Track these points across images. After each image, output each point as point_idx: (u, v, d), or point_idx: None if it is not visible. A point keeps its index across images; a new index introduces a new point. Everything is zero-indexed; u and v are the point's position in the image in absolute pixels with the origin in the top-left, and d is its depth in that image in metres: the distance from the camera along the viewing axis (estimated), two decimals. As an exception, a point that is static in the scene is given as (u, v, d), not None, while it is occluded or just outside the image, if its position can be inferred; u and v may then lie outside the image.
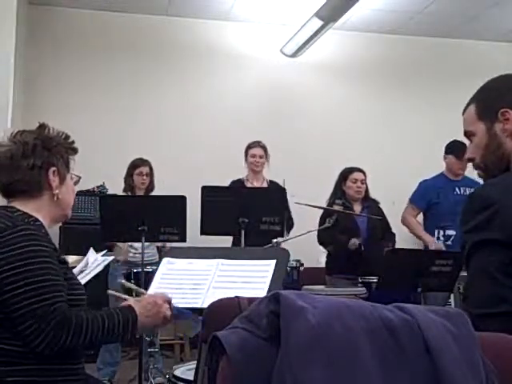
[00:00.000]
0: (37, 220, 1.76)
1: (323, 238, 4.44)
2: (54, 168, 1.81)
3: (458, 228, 4.52)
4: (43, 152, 1.80)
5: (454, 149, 4.73)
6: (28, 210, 1.76)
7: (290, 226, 4.60)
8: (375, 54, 6.43)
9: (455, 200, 4.65)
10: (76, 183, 1.97)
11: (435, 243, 4.62)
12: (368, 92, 6.40)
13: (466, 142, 1.61)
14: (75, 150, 1.91)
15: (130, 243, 4.42)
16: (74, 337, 1.59)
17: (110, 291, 2.13)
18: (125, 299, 1.92)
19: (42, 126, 1.87)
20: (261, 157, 4.85)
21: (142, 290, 1.97)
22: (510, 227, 1.29)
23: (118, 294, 2.06)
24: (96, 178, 5.17)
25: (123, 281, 2.21)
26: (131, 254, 4.45)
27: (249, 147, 4.90)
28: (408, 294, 3.37)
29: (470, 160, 1.58)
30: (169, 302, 1.84)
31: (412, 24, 6.19)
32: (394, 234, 4.65)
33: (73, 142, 1.90)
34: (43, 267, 1.63)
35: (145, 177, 4.63)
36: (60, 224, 4.51)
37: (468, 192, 4.70)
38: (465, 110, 1.59)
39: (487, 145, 1.51)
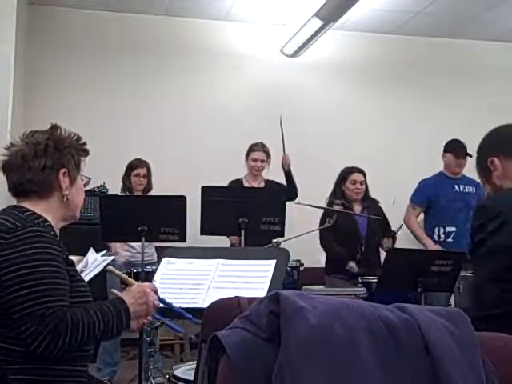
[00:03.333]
0: (46, 221, 1.76)
1: (326, 245, 4.44)
2: (64, 169, 1.80)
3: (458, 224, 4.56)
4: (55, 153, 1.79)
5: (453, 147, 4.76)
6: (37, 210, 1.76)
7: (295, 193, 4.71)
8: (375, 54, 6.43)
9: (454, 197, 4.68)
10: (86, 185, 1.96)
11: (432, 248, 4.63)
12: (368, 92, 6.40)
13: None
14: (86, 152, 1.90)
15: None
16: (71, 339, 1.59)
17: (113, 290, 2.13)
18: (131, 283, 1.91)
19: (54, 127, 1.86)
20: (262, 161, 4.80)
21: (130, 280, 1.96)
22: None
23: (119, 273, 2.05)
24: (96, 178, 5.15)
25: (109, 267, 2.19)
26: (130, 254, 4.45)
27: (251, 149, 4.82)
28: (408, 294, 3.37)
29: None
30: (155, 291, 1.85)
31: (412, 24, 6.18)
32: (394, 232, 4.64)
33: (84, 144, 1.90)
34: (47, 270, 1.63)
35: (142, 178, 4.62)
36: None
37: (467, 190, 4.73)
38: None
39: (493, 191, 1.78)
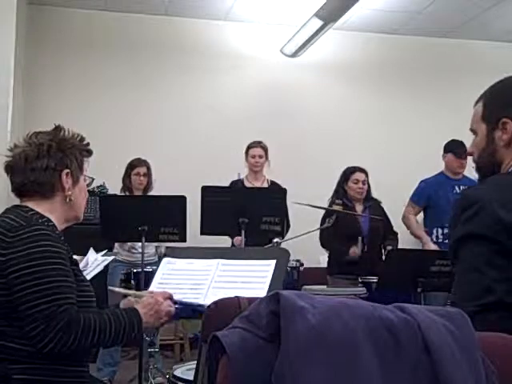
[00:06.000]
0: (49, 221, 1.76)
1: (324, 242, 4.44)
2: (67, 170, 1.81)
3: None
4: (57, 153, 1.80)
5: (453, 147, 4.76)
6: (41, 210, 1.77)
7: (287, 227, 4.59)
8: (375, 54, 6.43)
9: (454, 199, 4.65)
10: (89, 185, 1.97)
11: (429, 244, 4.62)
12: (368, 92, 6.40)
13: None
14: (90, 152, 1.91)
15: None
16: (81, 338, 1.59)
17: (110, 287, 2.14)
18: (126, 295, 1.92)
19: (58, 128, 1.87)
20: (260, 157, 4.83)
21: (140, 293, 1.96)
22: (491, 223, 1.34)
23: (118, 289, 2.07)
24: (96, 178, 5.14)
25: (110, 287, 2.21)
26: (131, 254, 4.46)
27: (249, 147, 4.87)
28: (408, 294, 3.37)
29: (470, 154, 1.65)
30: (169, 297, 1.85)
31: (412, 24, 6.19)
32: (396, 234, 4.64)
33: (88, 144, 1.91)
34: (54, 268, 1.63)
35: (142, 177, 4.62)
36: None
37: (467, 191, 4.71)
38: (475, 104, 1.62)
39: (484, 148, 1.56)
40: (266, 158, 4.87)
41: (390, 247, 4.37)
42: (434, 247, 4.56)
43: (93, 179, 2.00)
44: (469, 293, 1.33)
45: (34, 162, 1.77)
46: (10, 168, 1.82)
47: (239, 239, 3.79)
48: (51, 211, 1.79)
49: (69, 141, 1.84)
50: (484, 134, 1.55)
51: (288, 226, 4.61)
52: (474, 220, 1.36)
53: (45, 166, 1.77)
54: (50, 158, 1.78)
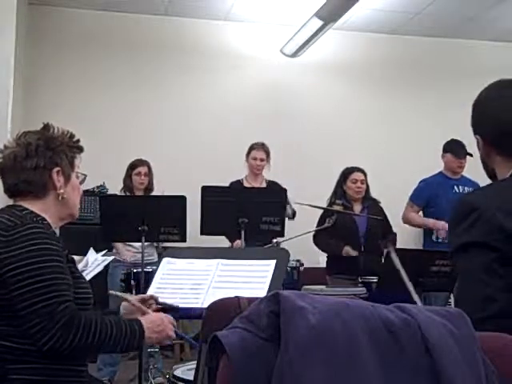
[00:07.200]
0: (44, 219, 1.76)
1: (318, 241, 4.44)
2: (57, 168, 1.80)
3: None
4: (46, 152, 1.79)
5: (452, 147, 4.76)
6: (35, 209, 1.77)
7: (293, 213, 4.68)
8: (375, 54, 6.43)
9: (454, 198, 4.64)
10: (82, 182, 1.96)
11: (437, 223, 4.61)
12: (368, 92, 6.39)
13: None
14: (80, 149, 1.90)
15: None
16: (81, 337, 1.59)
17: (111, 292, 2.13)
18: (126, 299, 1.92)
19: (46, 127, 1.86)
20: (262, 160, 4.82)
21: (130, 298, 1.95)
22: (491, 230, 1.33)
23: (119, 293, 2.07)
24: (96, 178, 5.17)
25: (111, 291, 2.21)
26: (131, 254, 4.45)
27: (251, 148, 4.85)
28: (408, 294, 3.37)
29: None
30: (173, 324, 1.85)
31: (412, 24, 6.19)
32: (395, 234, 4.64)
33: (78, 141, 1.89)
34: (52, 265, 1.63)
35: (143, 177, 4.62)
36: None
37: (467, 191, 4.70)
38: None
39: (482, 160, 1.59)
40: (268, 160, 4.86)
41: (386, 249, 4.36)
42: (442, 222, 4.53)
43: (85, 176, 1.99)
44: (471, 304, 1.32)
45: (24, 162, 1.77)
46: (0, 169, 1.82)
47: (239, 243, 3.79)
48: (45, 210, 1.79)
49: (57, 139, 1.83)
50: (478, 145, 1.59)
51: (295, 212, 4.70)
52: (474, 228, 1.35)
53: (34, 166, 1.77)
54: (38, 157, 1.78)
